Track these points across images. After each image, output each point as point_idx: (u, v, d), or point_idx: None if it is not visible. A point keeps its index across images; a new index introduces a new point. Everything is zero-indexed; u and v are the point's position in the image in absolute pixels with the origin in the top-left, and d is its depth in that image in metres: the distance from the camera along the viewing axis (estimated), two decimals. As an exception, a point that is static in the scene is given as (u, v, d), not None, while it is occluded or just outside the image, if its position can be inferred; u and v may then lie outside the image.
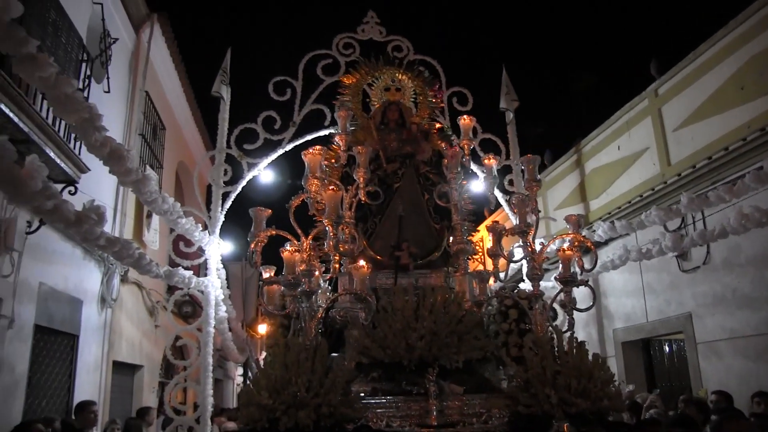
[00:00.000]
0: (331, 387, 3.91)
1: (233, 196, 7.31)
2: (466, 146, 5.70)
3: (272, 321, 5.01)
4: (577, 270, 4.80)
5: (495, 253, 4.94)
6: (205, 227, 7.14)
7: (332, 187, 4.55)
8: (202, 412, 6.81)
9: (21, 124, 5.13)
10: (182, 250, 7.13)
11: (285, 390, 3.82)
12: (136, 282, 9.26)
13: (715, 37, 7.22)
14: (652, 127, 8.19)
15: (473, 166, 6.79)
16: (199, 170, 8.31)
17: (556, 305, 4.91)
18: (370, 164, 5.38)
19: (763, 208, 5.72)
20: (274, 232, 4.63)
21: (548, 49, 24.20)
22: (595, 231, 7.42)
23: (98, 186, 7.37)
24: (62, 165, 5.89)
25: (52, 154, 5.68)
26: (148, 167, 9.60)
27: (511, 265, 5.39)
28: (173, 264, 7.32)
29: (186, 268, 6.93)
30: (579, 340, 4.51)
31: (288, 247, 4.43)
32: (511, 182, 7.77)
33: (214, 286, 7.11)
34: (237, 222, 8.38)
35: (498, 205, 8.41)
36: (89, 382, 7.66)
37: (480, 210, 6.17)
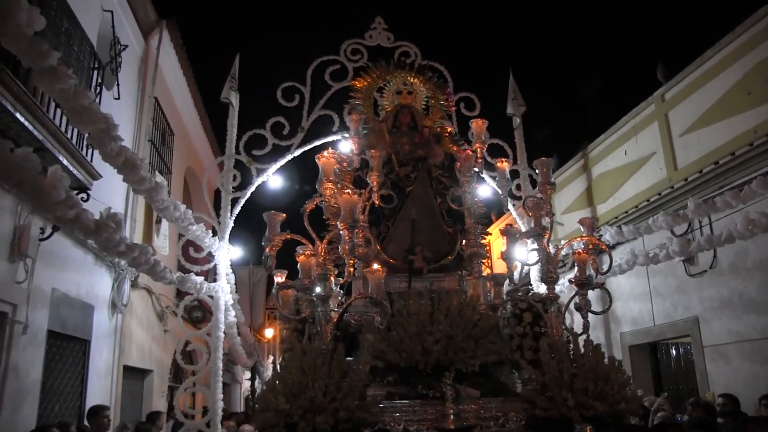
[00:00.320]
0: (348, 391, 3.90)
1: (242, 202, 7.39)
2: (478, 149, 5.66)
3: (287, 325, 4.98)
4: (592, 273, 4.77)
5: (509, 257, 4.92)
6: (214, 232, 7.23)
7: (348, 190, 4.54)
8: (213, 416, 6.87)
9: (36, 133, 5.20)
10: (191, 255, 7.20)
11: (302, 395, 3.81)
12: (146, 287, 9.27)
13: (722, 43, 7.21)
14: (658, 132, 8.17)
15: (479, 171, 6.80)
16: (207, 175, 8.38)
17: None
18: (382, 168, 5.36)
19: None
20: (288, 236, 4.60)
21: (555, 54, 24.29)
22: (602, 236, 7.47)
23: (109, 192, 7.40)
24: (75, 172, 5.96)
25: (65, 162, 5.75)
26: (157, 173, 9.71)
27: (518, 268, 5.40)
28: (182, 269, 7.39)
29: (196, 274, 7.02)
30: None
31: (303, 252, 4.43)
32: (518, 187, 7.75)
33: (224, 291, 7.18)
34: (244, 227, 8.44)
35: (503, 210, 8.50)
36: (101, 387, 7.69)
37: (488, 214, 6.20)
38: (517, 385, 4.97)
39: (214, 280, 7.17)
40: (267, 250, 4.56)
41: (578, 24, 23.93)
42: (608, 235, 7.45)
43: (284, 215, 4.70)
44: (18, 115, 4.83)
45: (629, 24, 21.04)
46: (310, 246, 4.48)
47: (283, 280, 4.80)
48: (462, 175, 5.52)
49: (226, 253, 7.22)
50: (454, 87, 7.55)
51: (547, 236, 4.83)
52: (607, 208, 9.06)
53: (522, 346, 4.95)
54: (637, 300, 8.66)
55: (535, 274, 7.02)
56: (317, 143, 7.53)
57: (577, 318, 4.85)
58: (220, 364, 7.03)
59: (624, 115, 8.92)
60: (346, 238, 4.46)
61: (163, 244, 9.79)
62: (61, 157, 5.63)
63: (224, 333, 7.17)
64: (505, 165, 5.46)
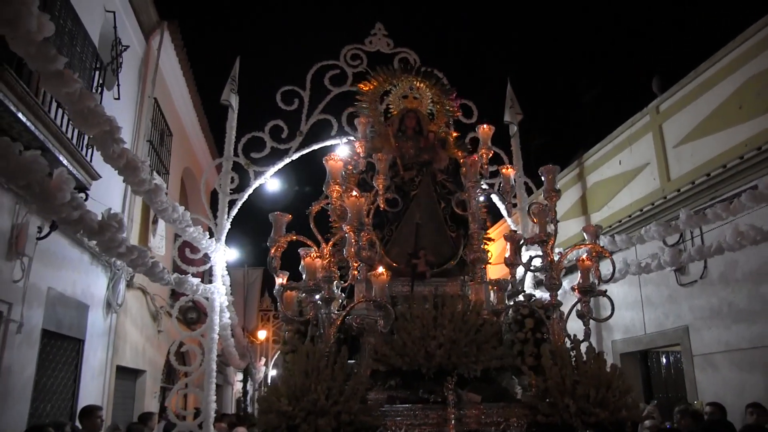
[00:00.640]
0: (351, 394, 3.89)
1: (239, 204, 7.35)
2: (484, 155, 5.63)
3: (289, 327, 4.95)
4: (595, 280, 4.75)
5: (513, 263, 4.90)
6: (211, 233, 7.26)
7: (355, 193, 4.50)
8: (205, 418, 6.88)
9: (37, 133, 5.23)
10: (188, 256, 7.22)
11: (305, 397, 3.80)
12: (141, 287, 9.23)
13: (716, 57, 7.25)
14: (653, 143, 8.21)
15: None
16: (205, 177, 8.41)
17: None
18: (387, 171, 5.30)
19: (758, 226, 5.82)
20: (294, 237, 4.57)
21: (552, 64, 24.46)
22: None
23: (107, 192, 7.39)
24: (75, 172, 5.97)
25: (65, 162, 5.77)
26: (154, 173, 9.72)
27: (516, 275, 5.33)
28: (178, 270, 7.42)
29: (192, 275, 7.05)
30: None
31: (309, 253, 4.39)
32: (514, 195, 7.92)
33: (219, 292, 7.19)
34: (240, 228, 8.47)
35: (499, 216, 8.57)
36: (93, 387, 7.65)
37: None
38: (518, 391, 4.97)
39: (210, 282, 7.20)
40: (272, 251, 4.53)
41: (576, 36, 24.17)
42: (601, 244, 7.51)
43: (290, 216, 4.68)
44: (20, 115, 4.85)
45: (626, 36, 21.26)
46: (316, 248, 4.45)
47: (285, 281, 4.76)
48: (467, 180, 5.51)
49: (223, 254, 7.26)
50: (455, 97, 7.65)
51: (551, 243, 4.82)
52: (601, 217, 9.08)
53: (523, 352, 4.93)
54: (628, 308, 8.66)
55: (529, 280, 7.10)
56: (315, 147, 7.58)
57: (573, 325, 4.82)
58: (214, 366, 7.06)
59: (619, 125, 8.96)
60: (352, 240, 4.43)
61: (160, 244, 9.78)
62: (61, 157, 5.65)
63: (218, 335, 7.23)
64: (510, 171, 5.45)
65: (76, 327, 7.16)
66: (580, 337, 4.67)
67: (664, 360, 9.11)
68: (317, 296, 4.38)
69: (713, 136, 7.27)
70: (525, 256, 5.38)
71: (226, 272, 7.34)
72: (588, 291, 4.64)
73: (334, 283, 4.48)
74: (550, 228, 4.85)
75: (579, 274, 4.74)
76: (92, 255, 7.41)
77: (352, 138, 7.03)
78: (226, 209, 7.26)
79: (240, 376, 16.89)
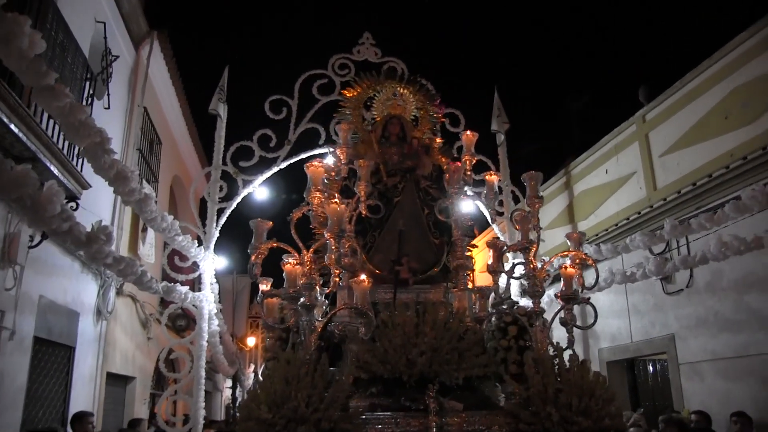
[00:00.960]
0: (331, 402, 3.84)
1: (228, 213, 7.35)
2: (468, 161, 5.60)
3: (271, 334, 4.89)
4: (578, 288, 4.72)
5: (496, 270, 4.83)
6: (200, 241, 7.36)
7: (335, 200, 4.46)
8: (194, 424, 6.95)
9: (29, 143, 5.33)
10: (177, 264, 7.29)
11: (285, 404, 3.75)
12: (131, 295, 9.20)
13: (701, 67, 7.29)
14: (639, 152, 8.24)
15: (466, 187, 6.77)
16: (195, 185, 8.51)
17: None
18: (370, 178, 5.28)
19: (742, 236, 5.88)
20: (275, 244, 4.51)
21: (539, 73, 24.67)
22: (586, 253, 7.66)
23: (96, 201, 7.42)
24: (66, 182, 6.06)
25: (56, 171, 5.86)
26: (144, 182, 9.82)
27: (500, 282, 5.25)
28: (167, 278, 7.51)
29: (181, 283, 7.12)
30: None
31: (289, 260, 4.33)
32: (501, 203, 7.84)
33: (208, 300, 7.26)
34: (229, 236, 8.54)
35: (486, 224, 8.67)
36: (84, 393, 7.66)
37: (471, 228, 6.26)
38: (501, 399, 4.89)
39: (199, 289, 7.30)
40: (252, 258, 4.49)
41: (563, 46, 24.39)
42: (587, 253, 7.62)
43: (271, 223, 4.64)
44: (12, 126, 4.92)
45: (613, 46, 21.45)
46: (296, 255, 4.40)
47: (269, 288, 4.71)
48: (450, 186, 5.44)
49: (211, 262, 7.34)
50: (440, 103, 7.76)
51: (534, 249, 4.78)
52: (587, 225, 9.09)
53: (507, 360, 4.86)
54: (615, 317, 8.67)
55: (515, 288, 7.19)
56: (304, 156, 7.56)
57: (560, 333, 4.79)
58: (203, 373, 7.11)
59: (606, 134, 9.00)
60: (333, 247, 4.38)
61: (149, 252, 9.83)
62: (52, 167, 5.73)
63: (207, 342, 7.31)
64: (493, 178, 5.40)
65: (67, 334, 7.18)
66: (565, 345, 4.62)
67: (651, 368, 9.09)
68: (298, 303, 4.33)
69: (699, 146, 7.31)
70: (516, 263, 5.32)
71: (215, 280, 7.41)
72: (571, 299, 4.61)
73: (318, 290, 4.51)
74: (533, 235, 4.82)
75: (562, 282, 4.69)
76: (82, 263, 7.44)
77: (333, 148, 7.11)
78: (215, 218, 7.31)
79: (229, 383, 16.98)
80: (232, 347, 11.53)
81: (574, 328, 4.75)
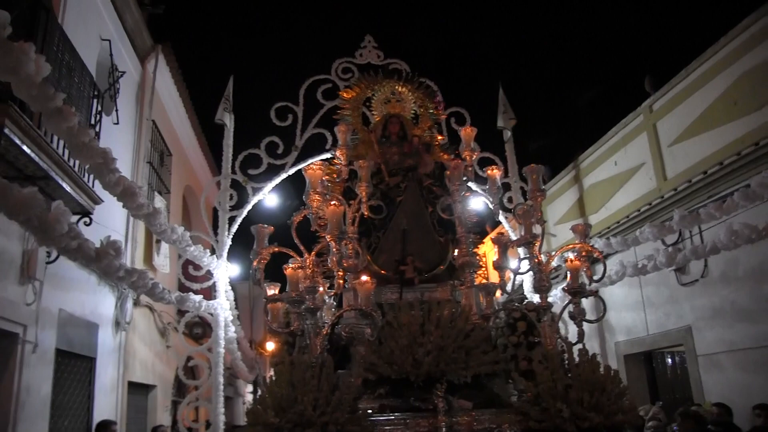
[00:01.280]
0: (337, 405, 3.82)
1: (239, 220, 7.44)
2: (468, 157, 5.54)
3: (278, 338, 4.90)
4: (586, 281, 4.65)
5: (501, 266, 4.79)
6: (213, 250, 7.51)
7: (334, 202, 4.43)
8: (215, 430, 7.14)
9: (41, 163, 5.50)
10: (191, 273, 7.45)
11: (291, 408, 3.75)
12: (148, 305, 9.27)
13: (707, 54, 7.18)
14: (647, 143, 8.13)
15: (470, 183, 6.58)
16: (205, 195, 8.67)
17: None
18: (372, 178, 5.25)
19: (753, 224, 5.72)
20: (276, 249, 4.53)
21: (545, 67, 24.52)
22: (593, 246, 7.65)
23: (110, 215, 7.51)
24: (78, 198, 6.22)
25: (68, 188, 6.02)
26: (156, 193, 9.92)
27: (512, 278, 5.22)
28: (183, 287, 7.66)
29: (196, 292, 7.21)
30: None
31: (290, 264, 4.34)
32: (510, 200, 7.83)
33: (223, 308, 7.39)
34: (243, 243, 8.68)
35: (498, 221, 8.70)
36: (106, 402, 7.77)
37: (483, 225, 6.26)
38: (510, 396, 4.82)
39: (215, 297, 7.46)
40: (255, 263, 4.51)
41: (567, 37, 24.23)
42: (597, 246, 7.61)
43: (272, 228, 4.63)
44: (25, 148, 5.08)
45: (617, 37, 21.26)
46: (299, 258, 4.39)
47: (275, 293, 4.70)
48: (452, 183, 5.38)
49: (225, 270, 7.48)
50: (445, 102, 7.76)
51: (538, 244, 4.69)
52: (598, 219, 8.99)
53: (516, 356, 4.80)
54: (630, 309, 8.56)
55: (528, 283, 7.22)
56: (311, 161, 7.68)
57: (572, 327, 4.73)
58: (221, 379, 7.21)
59: (613, 125, 8.90)
60: (334, 249, 4.36)
61: (164, 262, 9.99)
62: (64, 184, 5.90)
63: (225, 348, 7.46)
64: (495, 172, 5.32)
65: (87, 346, 7.31)
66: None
67: (669, 360, 8.96)
68: (302, 307, 4.33)
69: (708, 134, 7.19)
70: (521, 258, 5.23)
71: (230, 287, 7.57)
72: (578, 292, 4.52)
73: (323, 292, 4.56)
74: (537, 229, 4.75)
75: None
76: (99, 276, 7.61)
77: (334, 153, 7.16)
78: (227, 226, 7.46)
79: (251, 388, 17.16)
80: (251, 353, 11.67)
81: (589, 322, 4.68)
